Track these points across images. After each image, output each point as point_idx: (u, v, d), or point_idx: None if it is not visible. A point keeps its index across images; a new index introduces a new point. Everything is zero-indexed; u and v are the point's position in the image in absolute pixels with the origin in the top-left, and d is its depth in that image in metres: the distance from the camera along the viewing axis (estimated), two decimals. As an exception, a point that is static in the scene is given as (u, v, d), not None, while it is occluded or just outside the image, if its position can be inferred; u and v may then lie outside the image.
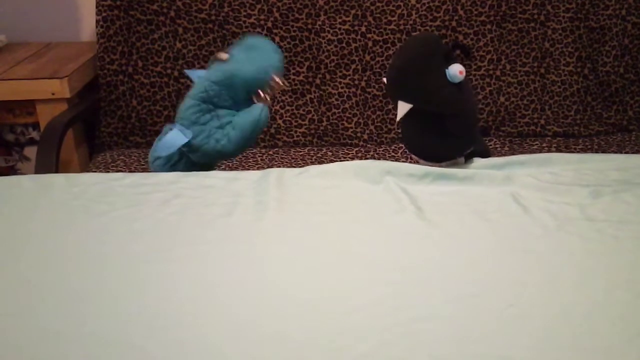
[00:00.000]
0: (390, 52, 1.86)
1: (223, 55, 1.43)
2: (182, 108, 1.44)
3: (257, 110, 1.41)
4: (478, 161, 1.36)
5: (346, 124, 1.90)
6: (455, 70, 1.27)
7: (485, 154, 1.44)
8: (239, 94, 1.42)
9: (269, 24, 1.85)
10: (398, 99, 1.31)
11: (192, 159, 1.44)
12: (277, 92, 1.46)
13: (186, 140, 1.39)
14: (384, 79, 1.36)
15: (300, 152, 1.86)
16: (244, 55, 1.43)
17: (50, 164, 1.58)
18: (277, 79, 1.41)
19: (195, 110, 1.41)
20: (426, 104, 1.30)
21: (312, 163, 1.76)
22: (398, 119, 1.31)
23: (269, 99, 1.44)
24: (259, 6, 1.84)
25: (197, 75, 1.47)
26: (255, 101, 1.43)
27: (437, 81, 1.28)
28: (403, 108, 1.29)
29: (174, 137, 1.41)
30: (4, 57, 1.92)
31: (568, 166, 1.29)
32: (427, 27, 1.84)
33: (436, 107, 1.30)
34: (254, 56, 1.43)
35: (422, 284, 0.95)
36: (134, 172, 1.66)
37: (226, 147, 1.40)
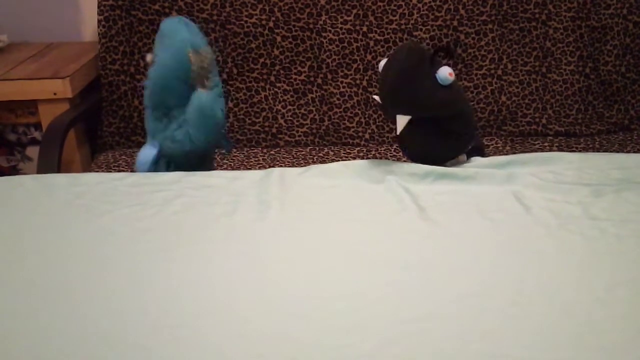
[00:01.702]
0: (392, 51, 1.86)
1: (148, 57, 1.37)
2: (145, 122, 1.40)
3: (196, 100, 1.32)
4: (480, 160, 1.36)
5: (348, 124, 1.90)
6: (445, 73, 1.27)
7: (481, 148, 1.45)
8: (176, 88, 1.34)
9: (271, 24, 1.86)
10: (396, 112, 1.30)
11: (177, 166, 1.40)
12: (206, 64, 1.33)
13: (155, 152, 1.36)
14: (375, 97, 1.35)
15: (302, 151, 1.86)
16: (159, 47, 1.35)
17: (52, 164, 1.58)
18: (194, 55, 1.30)
19: (151, 119, 1.37)
20: (425, 111, 1.30)
21: (314, 163, 1.76)
22: (398, 132, 1.30)
23: (200, 82, 1.32)
24: (260, 6, 1.85)
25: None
26: (195, 87, 1.34)
27: (429, 87, 1.28)
28: (402, 121, 1.28)
29: (144, 154, 1.38)
30: (6, 57, 1.93)
31: (570, 165, 1.29)
32: (429, 27, 1.84)
33: (435, 111, 1.30)
34: (167, 43, 1.34)
35: (425, 283, 0.95)
36: (136, 171, 1.66)
37: (193, 146, 1.36)
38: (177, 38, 1.32)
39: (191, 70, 1.31)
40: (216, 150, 1.57)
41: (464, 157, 1.36)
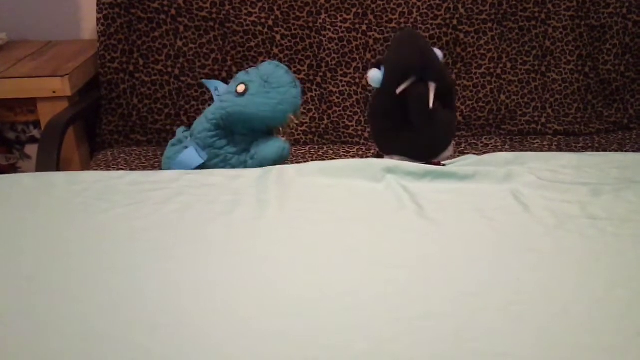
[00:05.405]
0: (391, 50, 1.86)
1: (240, 88, 1.45)
2: (199, 127, 1.47)
3: (280, 147, 1.45)
4: (478, 158, 1.36)
5: (347, 122, 1.90)
6: (440, 52, 1.45)
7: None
8: (255, 127, 1.46)
9: (270, 22, 1.85)
10: (429, 79, 1.40)
11: None
12: (295, 128, 1.51)
13: (201, 162, 1.45)
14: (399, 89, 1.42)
15: (301, 150, 1.86)
16: (260, 89, 1.45)
17: (51, 162, 1.58)
18: (294, 118, 1.45)
19: (211, 134, 1.45)
20: (446, 77, 1.44)
21: (313, 161, 1.75)
22: (431, 103, 1.39)
23: (286, 135, 1.48)
24: (260, 4, 1.84)
25: (214, 86, 1.50)
26: (274, 134, 1.47)
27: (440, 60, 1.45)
28: (433, 89, 1.39)
29: (189, 158, 1.45)
30: (5, 55, 1.93)
31: (569, 164, 1.30)
32: (428, 25, 1.84)
33: (448, 79, 1.45)
34: (270, 93, 1.44)
35: (423, 281, 0.95)
36: (135, 170, 1.66)
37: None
38: (290, 95, 1.45)
39: (281, 126, 1.47)
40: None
41: (453, 143, 1.50)
